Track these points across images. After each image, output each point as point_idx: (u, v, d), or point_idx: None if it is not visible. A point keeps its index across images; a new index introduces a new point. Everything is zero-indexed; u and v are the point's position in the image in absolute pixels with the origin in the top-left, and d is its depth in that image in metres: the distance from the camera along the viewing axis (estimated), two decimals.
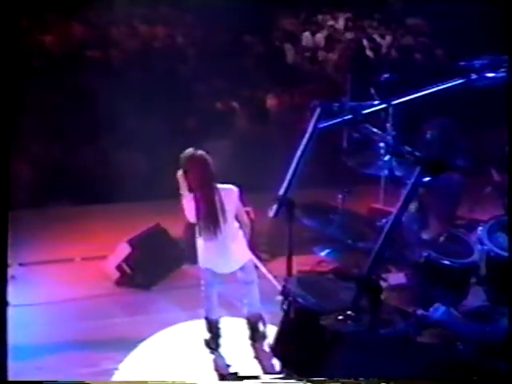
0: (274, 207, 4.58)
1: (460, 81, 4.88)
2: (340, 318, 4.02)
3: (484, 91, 4.98)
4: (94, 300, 6.59)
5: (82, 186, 9.08)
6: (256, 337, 5.47)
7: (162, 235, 7.46)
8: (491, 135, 7.99)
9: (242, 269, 5.40)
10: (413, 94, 5.02)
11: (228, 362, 5.34)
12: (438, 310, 4.93)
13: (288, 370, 4.67)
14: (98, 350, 5.59)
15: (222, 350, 5.43)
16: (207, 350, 5.43)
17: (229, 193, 5.30)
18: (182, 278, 6.97)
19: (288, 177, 4.64)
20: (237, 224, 5.39)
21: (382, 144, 5.09)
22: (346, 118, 4.83)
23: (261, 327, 5.46)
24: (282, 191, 4.60)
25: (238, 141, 9.67)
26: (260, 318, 5.47)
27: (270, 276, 6.14)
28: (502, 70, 4.82)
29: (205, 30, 11.60)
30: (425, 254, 5.25)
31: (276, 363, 4.94)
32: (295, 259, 4.71)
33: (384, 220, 4.81)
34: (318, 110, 4.78)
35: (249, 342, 5.48)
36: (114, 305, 6.58)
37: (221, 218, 5.23)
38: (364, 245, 4.66)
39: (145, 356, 5.56)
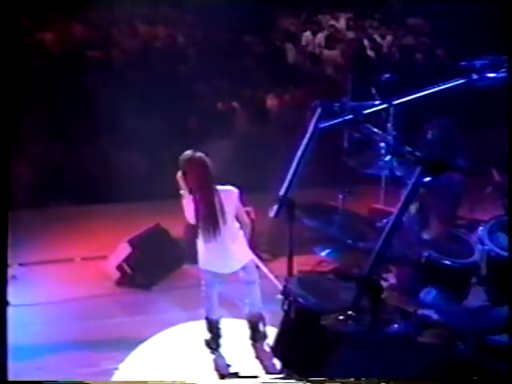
0: (275, 207, 4.58)
1: (461, 81, 4.87)
2: (340, 318, 4.01)
3: (485, 91, 4.97)
4: (94, 300, 6.59)
5: (82, 185, 9.07)
6: (257, 337, 5.47)
7: (162, 235, 7.46)
8: (492, 135, 7.99)
9: (243, 268, 5.41)
10: (414, 94, 5.01)
11: (228, 362, 5.34)
12: (430, 294, 4.94)
13: (288, 370, 4.67)
14: (98, 349, 5.59)
15: (222, 350, 5.43)
16: (207, 350, 5.43)
17: (228, 194, 5.29)
18: (183, 278, 6.97)
19: (288, 177, 4.64)
20: (237, 224, 5.39)
21: (382, 144, 5.08)
22: (346, 117, 4.83)
23: (261, 327, 5.46)
24: (282, 191, 4.60)
25: (238, 141, 9.67)
26: (261, 317, 5.47)
27: (271, 276, 6.14)
28: (503, 70, 4.82)
29: (205, 30, 11.60)
30: (425, 253, 5.25)
31: (277, 363, 4.94)
32: (296, 259, 4.71)
33: (384, 220, 4.80)
34: (319, 110, 4.78)
35: (249, 342, 5.48)
36: (114, 305, 6.57)
37: (220, 220, 5.23)
38: (364, 245, 4.65)
39: (145, 356, 5.56)
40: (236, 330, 5.61)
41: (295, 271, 4.84)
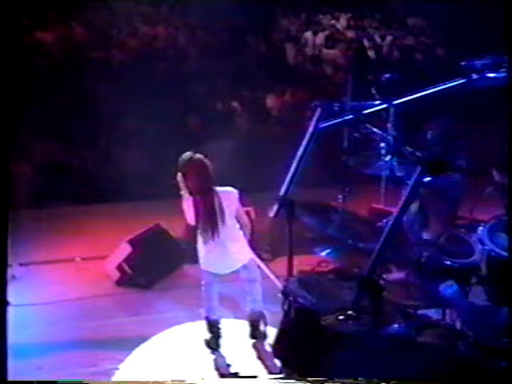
0: (275, 207, 4.59)
1: (461, 81, 4.87)
2: (341, 317, 4.02)
3: (485, 91, 4.97)
4: (94, 300, 6.58)
5: (82, 185, 9.08)
6: (257, 335, 5.46)
7: (162, 235, 7.46)
8: (492, 135, 7.98)
9: (244, 267, 5.41)
10: (414, 94, 5.02)
11: (228, 362, 5.34)
12: (451, 288, 4.89)
13: (288, 370, 4.67)
14: (98, 349, 5.58)
15: (222, 350, 5.42)
16: (208, 350, 5.43)
17: (228, 195, 5.29)
18: (183, 278, 6.97)
19: (288, 177, 4.64)
20: (237, 225, 5.38)
21: (382, 144, 5.08)
22: (346, 117, 4.84)
23: (262, 326, 5.46)
24: (282, 191, 4.61)
25: (238, 141, 9.67)
26: (262, 316, 5.47)
27: (271, 275, 6.13)
28: (503, 70, 4.82)
29: (205, 30, 11.60)
30: (426, 254, 5.25)
31: (278, 363, 4.94)
32: (296, 259, 4.72)
33: (385, 220, 4.81)
34: (319, 110, 4.79)
35: (250, 341, 5.48)
36: (114, 305, 6.57)
37: (219, 221, 5.23)
38: (365, 245, 4.66)
39: (145, 356, 5.55)
40: (236, 329, 5.61)
41: (295, 271, 4.84)
